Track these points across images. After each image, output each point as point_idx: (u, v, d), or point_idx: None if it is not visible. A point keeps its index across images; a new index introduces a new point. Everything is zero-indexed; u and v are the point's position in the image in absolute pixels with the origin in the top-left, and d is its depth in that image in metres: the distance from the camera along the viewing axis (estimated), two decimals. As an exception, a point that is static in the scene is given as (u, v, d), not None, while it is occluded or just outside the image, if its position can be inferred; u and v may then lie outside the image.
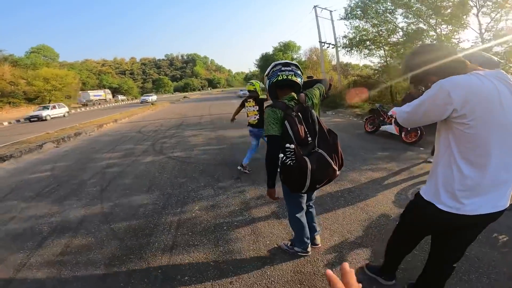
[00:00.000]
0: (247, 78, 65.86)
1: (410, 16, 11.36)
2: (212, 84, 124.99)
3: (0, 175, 5.48)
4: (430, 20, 10.72)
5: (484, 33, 9.38)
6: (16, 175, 5.37)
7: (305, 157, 1.64)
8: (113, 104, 42.57)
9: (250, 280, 2.10)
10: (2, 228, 3.16)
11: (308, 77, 4.18)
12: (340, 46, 15.23)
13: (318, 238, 2.45)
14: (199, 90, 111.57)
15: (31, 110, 23.40)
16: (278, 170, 1.78)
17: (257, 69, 46.11)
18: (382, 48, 13.39)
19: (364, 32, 13.70)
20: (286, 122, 1.66)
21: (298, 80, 1.82)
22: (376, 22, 12.85)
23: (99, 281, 2.18)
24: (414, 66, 1.41)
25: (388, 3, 12.09)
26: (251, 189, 3.78)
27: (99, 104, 41.86)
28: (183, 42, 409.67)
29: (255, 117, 4.23)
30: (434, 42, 10.40)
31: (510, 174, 1.23)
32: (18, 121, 21.03)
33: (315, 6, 16.89)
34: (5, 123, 19.56)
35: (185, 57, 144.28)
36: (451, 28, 10.31)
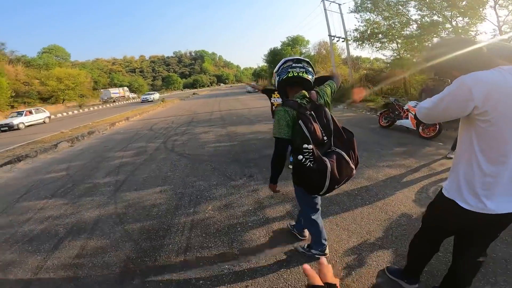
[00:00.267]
0: (256, 73, 65.48)
1: (424, 8, 10.92)
2: (220, 80, 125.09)
3: (16, 176, 5.60)
4: (445, 12, 10.28)
5: (502, 26, 8.96)
6: (32, 175, 5.48)
7: (324, 157, 1.57)
8: (131, 101, 43.41)
9: (266, 284, 2.03)
10: (19, 230, 3.20)
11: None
12: (351, 39, 14.84)
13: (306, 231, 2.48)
14: (208, 86, 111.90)
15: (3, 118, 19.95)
16: (293, 172, 1.74)
17: (265, 64, 45.72)
18: (395, 41, 12.96)
19: (376, 25, 13.30)
20: (300, 121, 1.57)
21: (309, 77, 1.73)
22: (387, 14, 12.44)
23: (115, 284, 2.16)
24: (436, 60, 1.36)
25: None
26: (264, 188, 3.71)
27: (119, 101, 42.64)
28: (191, 39, 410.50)
29: None
30: (455, 35, 10.00)
31: None
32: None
33: (322, 0, 16.49)
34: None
35: (193, 54, 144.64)
36: (468, 21, 9.87)
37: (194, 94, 49.48)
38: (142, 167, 5.27)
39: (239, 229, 2.78)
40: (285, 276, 2.08)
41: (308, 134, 1.55)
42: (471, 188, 1.27)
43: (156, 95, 37.41)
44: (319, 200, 2.07)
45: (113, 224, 3.10)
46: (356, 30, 13.98)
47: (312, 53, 32.46)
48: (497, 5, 8.95)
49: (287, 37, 38.07)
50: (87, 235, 2.92)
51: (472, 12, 9.32)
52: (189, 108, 19.20)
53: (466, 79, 1.13)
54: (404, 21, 12.01)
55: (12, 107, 28.69)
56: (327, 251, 2.22)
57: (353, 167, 1.68)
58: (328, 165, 1.54)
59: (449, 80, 1.40)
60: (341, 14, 16.01)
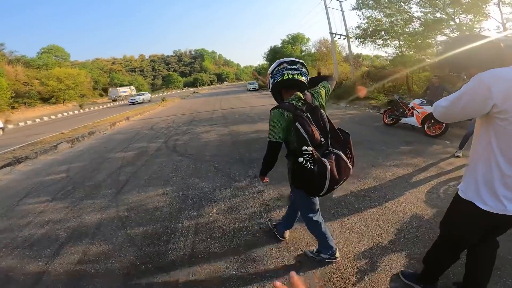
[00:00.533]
0: (256, 71, 65.39)
1: (427, 5, 10.78)
2: (221, 78, 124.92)
3: (16, 178, 5.52)
4: (448, 9, 10.15)
5: (506, 23, 8.85)
6: (32, 177, 5.39)
7: (323, 158, 1.59)
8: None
9: (276, 291, 1.94)
10: (19, 234, 3.11)
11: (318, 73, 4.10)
12: (353, 37, 14.69)
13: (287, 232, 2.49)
14: (209, 84, 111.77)
15: None
16: (291, 175, 1.78)
17: (265, 62, 45.54)
18: (397, 39, 12.83)
19: (378, 22, 13.16)
20: (297, 123, 1.56)
21: (304, 79, 1.72)
22: (389, 11, 12.30)
23: (119, 292, 2.08)
24: (454, 56, 1.33)
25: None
26: (269, 189, 3.62)
27: (126, 99, 42.17)
28: (191, 38, 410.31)
29: None
30: (460, 32, 9.89)
31: None
32: None
33: (323, -3, 16.33)
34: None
35: (193, 53, 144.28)
36: (472, 18, 9.75)
37: (194, 93, 49.42)
38: (144, 168, 5.19)
39: (245, 233, 2.69)
40: (295, 283, 2.00)
41: (306, 136, 1.55)
42: (490, 188, 1.24)
43: (146, 96, 33.21)
44: (317, 200, 2.03)
45: (115, 228, 3.01)
46: (358, 27, 13.83)
47: (313, 51, 32.35)
48: (501, 2, 8.84)
49: (287, 35, 37.95)
50: (89, 240, 2.83)
51: (476, 9, 9.20)
52: (190, 107, 19.11)
53: (484, 77, 1.11)
54: (407, 18, 11.86)
55: (13, 107, 28.57)
56: (337, 254, 2.14)
57: (351, 166, 1.71)
58: (328, 166, 1.56)
59: (465, 76, 1.40)
60: (342, 11, 15.86)
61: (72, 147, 8.27)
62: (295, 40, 37.00)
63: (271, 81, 1.77)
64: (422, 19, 11.07)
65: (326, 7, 16.45)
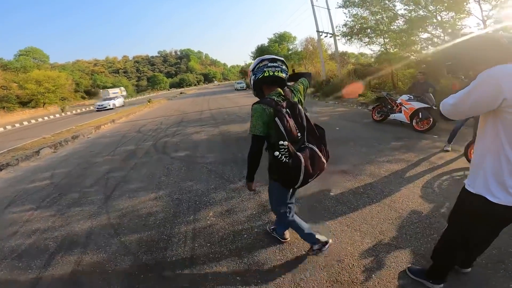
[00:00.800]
0: (243, 70, 65.16)
1: (410, 3, 11.00)
2: (207, 78, 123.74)
3: (-2, 186, 5.22)
4: (430, 6, 10.39)
5: (486, 20, 9.13)
6: (14, 185, 5.11)
7: (298, 153, 1.65)
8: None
9: (282, 294, 1.90)
10: (6, 244, 2.92)
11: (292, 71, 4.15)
12: (340, 35, 14.83)
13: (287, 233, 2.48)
14: (195, 85, 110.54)
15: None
16: (269, 168, 1.87)
17: (252, 61, 45.51)
18: (382, 36, 13.04)
19: (363, 20, 13.32)
20: (276, 118, 1.62)
21: (284, 75, 1.79)
22: (375, 9, 12.47)
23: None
24: (459, 54, 1.38)
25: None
26: (266, 189, 3.54)
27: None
28: (176, 38, 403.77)
29: None
30: (442, 30, 10.14)
31: None
32: None
33: (310, -5, 16.44)
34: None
35: (178, 53, 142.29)
36: (453, 15, 10.00)
37: (181, 93, 48.74)
38: (133, 172, 5.01)
39: (245, 236, 2.62)
40: (302, 285, 1.95)
41: (283, 131, 1.60)
42: (499, 182, 1.25)
43: (118, 100, 28.73)
44: (290, 196, 2.09)
45: (108, 236, 2.87)
46: (345, 25, 13.94)
47: (299, 49, 32.51)
48: (481, 0, 9.09)
49: (274, 34, 37.88)
50: (81, 249, 2.68)
51: (457, 7, 9.43)
52: (178, 108, 18.78)
53: (492, 73, 1.12)
54: (391, 16, 12.06)
55: (-10, 112, 27.29)
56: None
57: (325, 161, 1.78)
58: (302, 160, 1.62)
59: (463, 77, 1.42)
60: (328, 9, 16.03)
61: (55, 152, 7.93)
62: (282, 39, 37.03)
63: (253, 77, 1.82)
64: (407, 17, 11.27)
65: (312, 5, 16.58)
